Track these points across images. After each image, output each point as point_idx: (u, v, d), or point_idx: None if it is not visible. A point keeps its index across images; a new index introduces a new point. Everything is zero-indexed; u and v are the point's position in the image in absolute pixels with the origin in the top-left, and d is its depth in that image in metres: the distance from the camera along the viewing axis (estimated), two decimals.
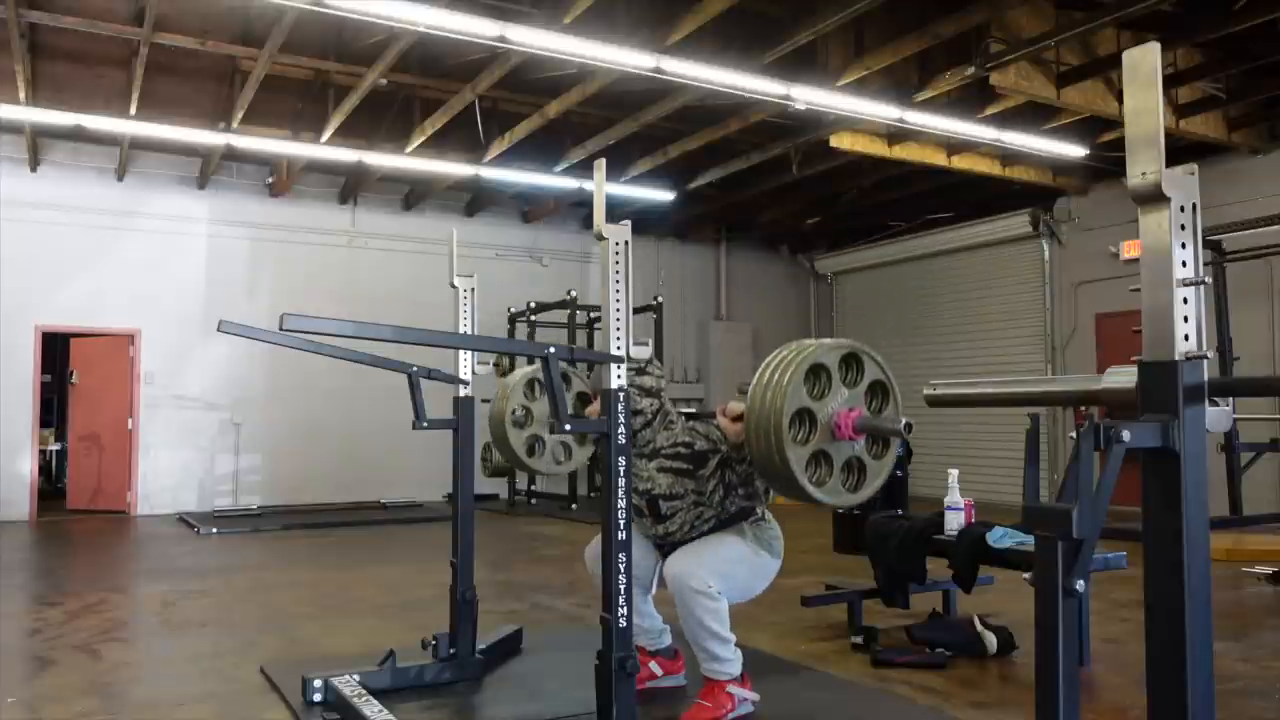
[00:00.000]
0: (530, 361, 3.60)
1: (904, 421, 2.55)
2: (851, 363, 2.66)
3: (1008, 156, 9.76)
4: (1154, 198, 1.53)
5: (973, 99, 8.04)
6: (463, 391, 3.87)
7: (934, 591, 4.77)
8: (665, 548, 3.44)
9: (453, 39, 6.31)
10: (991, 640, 4.14)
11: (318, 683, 3.52)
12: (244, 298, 10.77)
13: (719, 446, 3.31)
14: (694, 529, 3.34)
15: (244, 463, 10.89)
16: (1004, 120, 8.29)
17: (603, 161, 2.83)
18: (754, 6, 6.91)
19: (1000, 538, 4.10)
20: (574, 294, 10.83)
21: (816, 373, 2.58)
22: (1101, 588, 5.36)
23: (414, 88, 9.00)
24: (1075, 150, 8.82)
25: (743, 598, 3.35)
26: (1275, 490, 8.66)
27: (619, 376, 2.75)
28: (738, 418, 3.16)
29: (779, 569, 3.41)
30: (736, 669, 3.27)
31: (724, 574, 3.23)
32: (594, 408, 3.58)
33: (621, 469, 2.73)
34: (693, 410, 3.68)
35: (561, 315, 10.91)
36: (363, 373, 4.64)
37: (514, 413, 3.79)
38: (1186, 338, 1.53)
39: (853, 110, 7.66)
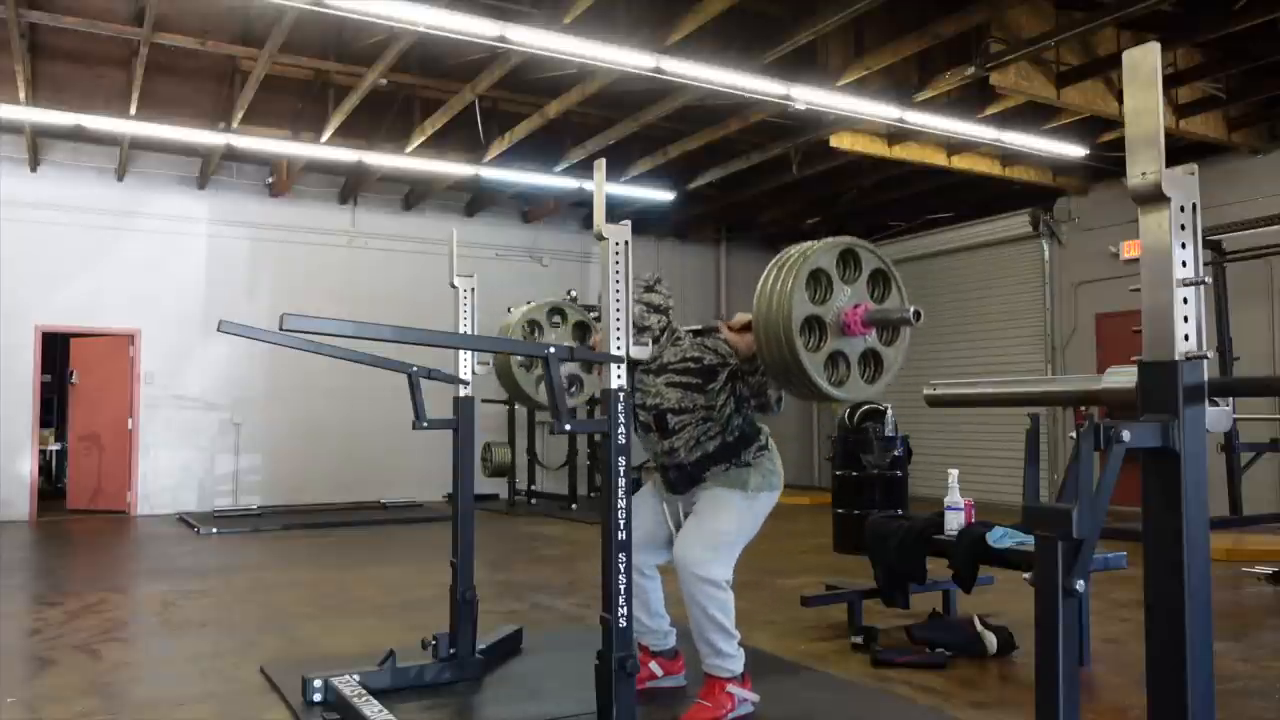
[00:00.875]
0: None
1: (911, 309, 2.55)
2: (848, 259, 2.66)
3: (1008, 156, 9.76)
4: (1154, 198, 1.53)
5: (973, 99, 8.04)
6: (463, 391, 3.87)
7: (934, 591, 4.77)
8: (670, 472, 3.41)
9: (453, 39, 6.31)
10: (991, 640, 4.14)
11: (318, 683, 3.52)
12: (244, 298, 10.77)
13: (728, 360, 3.31)
14: (699, 445, 3.32)
15: (244, 463, 10.90)
16: (1004, 120, 8.29)
17: (603, 161, 2.83)
18: (754, 6, 6.91)
19: (1000, 538, 4.10)
20: (574, 294, 10.84)
21: (816, 277, 2.59)
22: (1101, 588, 5.36)
23: (414, 88, 9.01)
24: (1075, 150, 8.82)
25: (744, 544, 3.38)
26: (1275, 490, 8.66)
27: (619, 376, 2.75)
28: (744, 328, 3.14)
29: (778, 498, 3.44)
30: (738, 667, 3.27)
31: (729, 544, 3.27)
32: (597, 339, 3.56)
33: (621, 469, 2.73)
34: (698, 327, 3.67)
35: None
36: (363, 373, 4.64)
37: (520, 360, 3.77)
38: (1186, 338, 1.53)
39: (853, 110, 7.67)
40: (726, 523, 3.28)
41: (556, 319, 3.86)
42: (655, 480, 3.54)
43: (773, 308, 2.55)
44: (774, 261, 2.65)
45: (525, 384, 3.74)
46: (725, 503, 3.30)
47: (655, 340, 3.40)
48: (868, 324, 2.61)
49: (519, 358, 3.73)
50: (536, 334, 3.82)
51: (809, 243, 2.66)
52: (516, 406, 11.61)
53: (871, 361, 2.70)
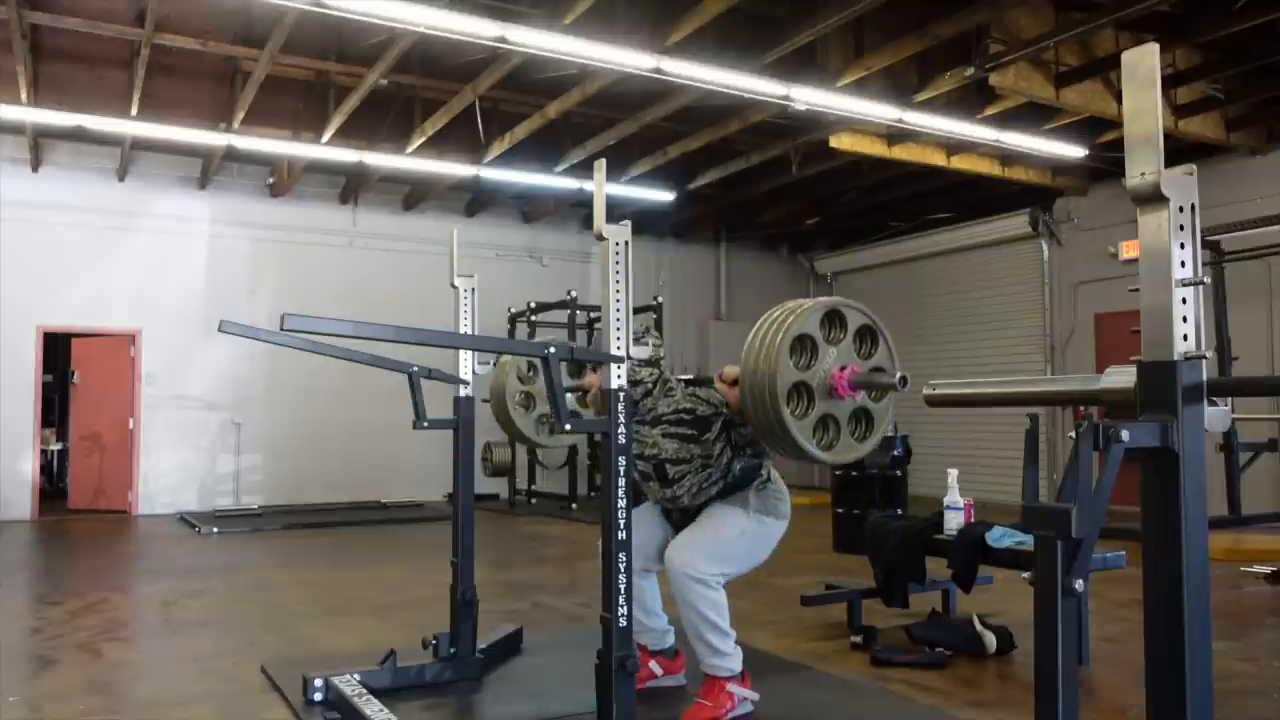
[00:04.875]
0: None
1: (899, 375, 2.56)
2: (834, 319, 2.66)
3: (1007, 157, 9.76)
4: (1153, 198, 1.54)
5: (972, 99, 8.04)
6: (463, 391, 3.88)
7: (934, 591, 4.77)
8: (674, 514, 3.46)
9: (453, 39, 6.31)
10: (991, 639, 4.15)
11: (318, 682, 3.53)
12: (245, 298, 10.78)
13: (720, 410, 3.32)
14: (702, 491, 3.33)
15: (245, 462, 10.90)
16: (1003, 121, 8.30)
17: (603, 162, 2.84)
18: (754, 7, 6.92)
19: (999, 537, 4.11)
20: (574, 294, 10.84)
21: (802, 343, 2.58)
22: (1100, 587, 5.37)
23: (414, 88, 9.01)
24: (1074, 151, 8.82)
25: (746, 568, 3.37)
26: (1274, 490, 8.67)
27: (619, 376, 2.76)
28: (734, 383, 3.15)
29: (785, 529, 3.42)
30: (737, 665, 3.28)
31: (723, 556, 3.26)
32: (593, 378, 3.56)
33: (621, 469, 2.74)
34: (691, 376, 3.70)
35: (561, 315, 10.91)
36: (363, 373, 4.64)
37: (515, 397, 3.79)
38: (1185, 338, 1.53)
39: (852, 111, 7.67)
40: (724, 532, 3.29)
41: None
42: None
43: (759, 382, 2.54)
44: (758, 325, 2.64)
45: (524, 426, 3.80)
46: (725, 516, 3.32)
47: (648, 393, 3.37)
48: (855, 388, 2.61)
49: (518, 398, 3.76)
50: (533, 372, 3.83)
51: (795, 304, 2.64)
52: None
53: (861, 419, 2.70)
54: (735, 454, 3.32)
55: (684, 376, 3.54)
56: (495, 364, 3.87)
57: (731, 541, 3.29)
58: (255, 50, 7.78)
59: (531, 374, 3.84)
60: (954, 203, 11.68)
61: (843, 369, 2.60)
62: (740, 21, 6.98)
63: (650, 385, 3.39)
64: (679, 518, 3.45)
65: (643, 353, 3.30)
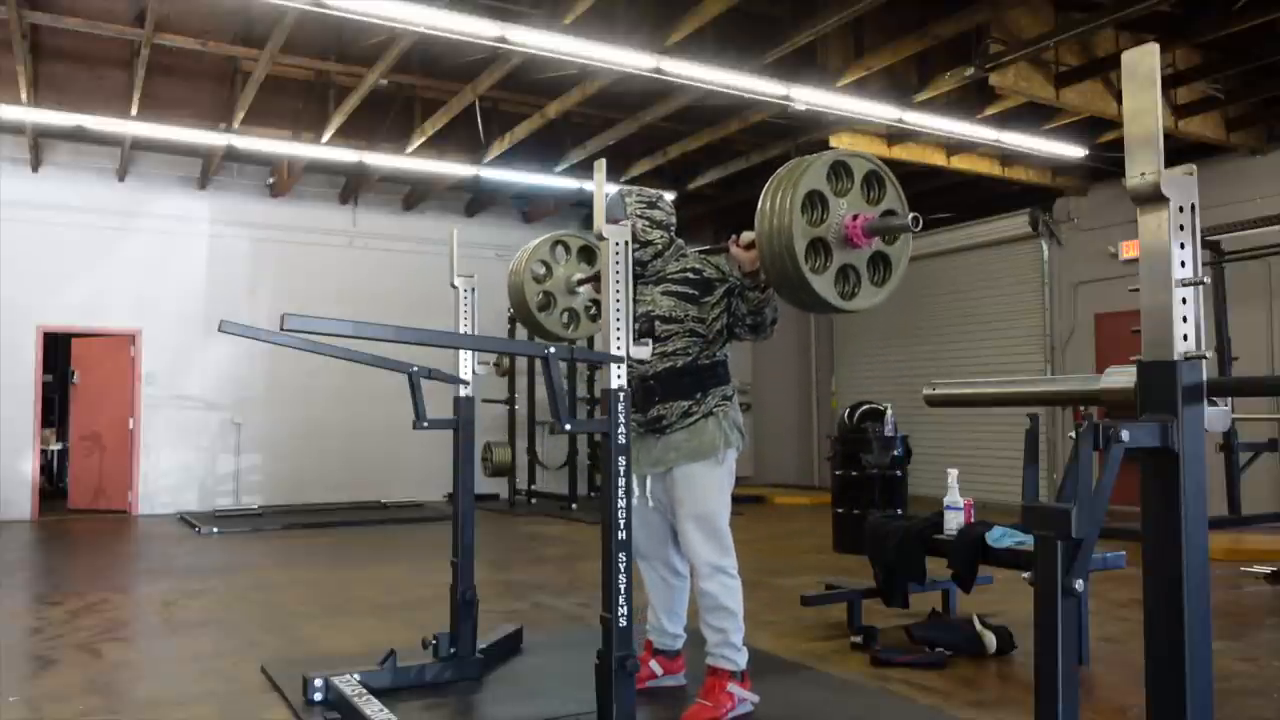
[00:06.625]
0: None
1: (910, 215, 2.56)
2: (839, 171, 2.63)
3: (1007, 157, 9.76)
4: (1153, 198, 1.54)
5: (972, 99, 8.04)
6: (463, 391, 3.88)
7: (934, 591, 4.77)
8: (633, 381, 3.33)
9: (453, 39, 6.32)
10: (991, 639, 4.14)
11: (318, 682, 3.52)
12: (245, 298, 10.78)
13: (727, 277, 3.36)
14: (671, 356, 3.33)
15: (245, 462, 10.90)
16: (1003, 121, 8.30)
17: (603, 162, 2.83)
18: (754, 7, 6.92)
19: (999, 537, 4.11)
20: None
21: (811, 199, 2.56)
22: (1100, 587, 5.37)
23: (414, 88, 9.01)
24: (1074, 151, 8.82)
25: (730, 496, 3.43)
26: (1274, 490, 8.67)
27: (619, 376, 2.76)
28: (750, 245, 3.13)
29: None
30: (743, 661, 3.30)
31: (726, 521, 3.33)
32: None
33: (621, 469, 2.74)
34: (707, 247, 3.71)
35: None
36: (363, 373, 4.63)
37: (536, 299, 3.75)
38: (1185, 338, 1.53)
39: (852, 110, 7.67)
40: (713, 503, 3.32)
41: (560, 252, 3.85)
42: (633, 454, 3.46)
43: (774, 239, 2.52)
44: (766, 188, 2.61)
45: (531, 298, 3.74)
46: (702, 483, 3.32)
47: (658, 254, 3.44)
48: (869, 234, 2.60)
49: (536, 270, 3.73)
50: (549, 272, 3.80)
51: (797, 161, 2.62)
52: (516, 406, 11.63)
53: (879, 264, 2.69)
54: (735, 322, 3.33)
55: (700, 248, 3.55)
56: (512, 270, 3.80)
57: (721, 506, 3.34)
58: (255, 50, 7.78)
59: (545, 273, 3.80)
60: (954, 203, 11.68)
61: (855, 217, 2.58)
62: (740, 21, 6.98)
63: (660, 248, 3.45)
64: (636, 387, 3.30)
65: (657, 211, 3.43)
